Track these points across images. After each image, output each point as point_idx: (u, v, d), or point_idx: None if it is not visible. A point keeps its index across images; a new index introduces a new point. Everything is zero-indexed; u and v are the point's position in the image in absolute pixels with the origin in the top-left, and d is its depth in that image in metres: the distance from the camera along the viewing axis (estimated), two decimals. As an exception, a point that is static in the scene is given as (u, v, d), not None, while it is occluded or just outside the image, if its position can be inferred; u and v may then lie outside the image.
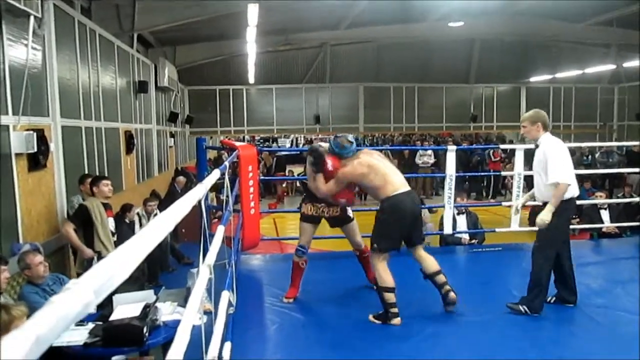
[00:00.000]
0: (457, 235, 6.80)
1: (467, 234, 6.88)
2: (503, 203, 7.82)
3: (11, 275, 3.96)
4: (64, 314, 0.69)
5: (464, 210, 6.95)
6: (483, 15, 12.62)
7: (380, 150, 16.08)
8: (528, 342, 3.73)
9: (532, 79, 18.58)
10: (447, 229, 6.52)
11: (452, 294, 4.12)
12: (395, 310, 3.98)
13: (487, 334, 3.82)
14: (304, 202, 4.69)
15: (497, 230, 6.93)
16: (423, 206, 8.42)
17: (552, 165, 4.02)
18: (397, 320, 3.96)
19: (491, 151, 14.27)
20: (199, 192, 2.09)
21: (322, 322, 4.16)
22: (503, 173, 10.67)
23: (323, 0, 10.71)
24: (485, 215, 8.92)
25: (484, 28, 14.33)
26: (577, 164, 13.01)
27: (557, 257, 4.19)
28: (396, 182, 4.10)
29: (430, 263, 4.20)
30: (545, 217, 4.02)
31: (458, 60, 17.94)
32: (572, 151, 14.66)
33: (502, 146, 11.07)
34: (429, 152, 14.08)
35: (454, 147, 6.56)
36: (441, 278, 4.16)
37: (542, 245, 4.15)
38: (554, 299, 4.36)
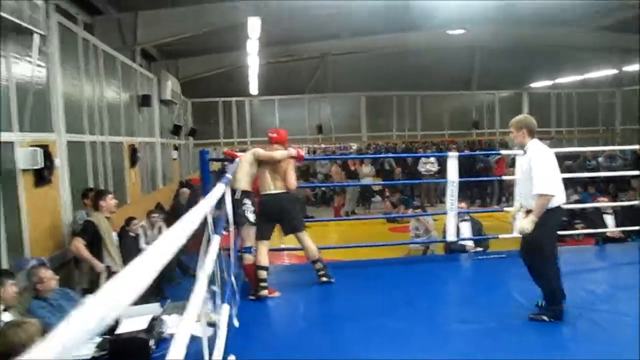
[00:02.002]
0: (461, 242, 6.80)
1: (471, 241, 6.88)
2: (505, 208, 7.82)
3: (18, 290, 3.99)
4: (85, 326, 0.74)
5: (467, 217, 6.96)
6: (483, 22, 12.68)
7: (383, 159, 15.84)
8: (532, 347, 3.74)
9: (534, 85, 18.63)
10: (450, 237, 6.52)
11: (324, 279, 5.08)
12: (265, 284, 4.88)
13: (491, 340, 3.82)
14: (254, 206, 4.99)
15: (500, 236, 6.93)
16: (425, 214, 8.46)
17: (537, 176, 4.02)
18: (265, 292, 4.84)
19: (494, 159, 14.25)
20: (204, 208, 2.13)
21: (330, 331, 4.17)
22: (504, 177, 10.66)
23: (322, 11, 10.79)
24: (490, 222, 8.91)
25: (485, 35, 14.42)
26: (581, 169, 13.02)
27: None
28: (268, 184, 4.97)
29: (311, 251, 5.10)
30: (526, 225, 4.07)
31: (459, 68, 18.02)
32: (576, 156, 14.74)
33: (504, 152, 11.04)
34: (432, 159, 14.09)
35: (455, 154, 6.57)
36: (318, 265, 5.12)
37: (538, 258, 4.16)
38: (543, 302, 4.35)
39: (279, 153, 5.05)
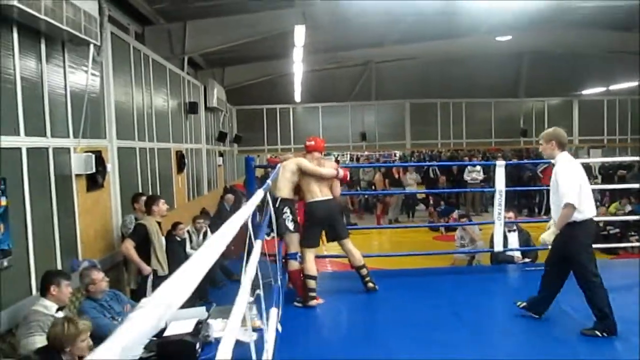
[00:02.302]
0: (508, 253, 6.64)
1: (519, 252, 6.70)
2: (556, 220, 7.57)
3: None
4: (144, 327, 0.75)
5: (514, 228, 6.78)
6: (532, 27, 12.39)
7: (428, 168, 15.76)
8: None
9: (585, 92, 18.05)
10: (498, 247, 6.36)
11: (370, 285, 5.07)
12: (314, 294, 4.85)
13: (541, 355, 3.71)
14: (294, 214, 4.98)
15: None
16: (470, 222, 8.29)
17: (561, 187, 4.01)
18: (314, 302, 4.80)
19: (540, 168, 13.84)
20: (246, 211, 2.15)
21: (375, 340, 4.13)
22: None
23: (368, 19, 10.79)
24: (538, 233, 8.66)
25: (533, 41, 14.08)
26: (635, 179, 12.49)
27: (563, 272, 4.15)
28: (315, 191, 4.92)
29: (357, 258, 5.10)
30: (547, 237, 4.15)
31: (506, 74, 17.65)
32: (630, 165, 14.18)
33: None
34: (478, 168, 13.83)
35: (503, 163, 6.43)
36: (363, 271, 5.10)
37: (581, 274, 4.07)
38: (524, 304, 4.34)
39: (326, 171, 5.04)
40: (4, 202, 3.84)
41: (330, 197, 5.04)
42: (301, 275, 4.94)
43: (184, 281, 0.98)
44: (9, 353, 3.66)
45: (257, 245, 3.01)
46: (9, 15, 3.95)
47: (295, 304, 4.85)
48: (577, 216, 3.98)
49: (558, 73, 17.45)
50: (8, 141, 4.07)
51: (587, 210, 4.03)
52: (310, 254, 4.93)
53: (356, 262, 5.12)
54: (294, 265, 4.94)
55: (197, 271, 1.08)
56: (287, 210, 4.87)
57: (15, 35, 4.19)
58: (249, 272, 2.41)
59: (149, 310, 0.79)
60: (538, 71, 17.43)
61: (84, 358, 2.99)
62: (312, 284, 4.85)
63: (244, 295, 2.11)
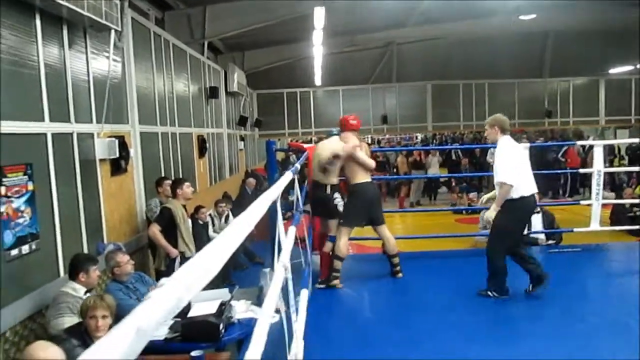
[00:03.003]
0: (532, 235, 6.56)
1: (543, 234, 6.62)
2: (581, 202, 7.45)
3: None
4: (162, 307, 0.74)
5: (539, 210, 6.70)
6: (557, 5, 12.09)
7: (450, 150, 15.72)
8: (607, 349, 3.57)
9: (612, 71, 17.60)
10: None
11: (399, 275, 5.13)
12: (338, 274, 4.92)
13: (568, 340, 3.68)
14: (343, 199, 5.10)
15: (575, 230, 6.62)
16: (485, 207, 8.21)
17: (498, 166, 4.31)
18: (336, 282, 4.89)
19: (561, 152, 13.60)
20: (273, 194, 2.15)
21: (398, 323, 4.14)
22: (581, 170, 10.15)
23: (387, 0, 10.65)
24: (563, 215, 8.54)
25: (558, 19, 13.73)
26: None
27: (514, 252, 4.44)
28: (362, 173, 4.99)
29: (392, 245, 5.14)
30: (489, 214, 4.41)
31: (530, 54, 17.29)
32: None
33: (579, 142, 10.51)
34: (501, 149, 13.64)
35: (527, 145, 6.34)
36: (395, 260, 5.15)
37: (493, 241, 4.42)
38: (530, 287, 4.48)
39: (372, 162, 5.15)
40: (30, 186, 3.92)
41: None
42: (330, 254, 5.00)
43: (206, 263, 0.98)
44: (39, 333, 3.76)
45: (292, 231, 3.01)
46: (31, 2, 3.99)
47: (317, 285, 4.88)
48: (512, 194, 4.24)
49: (584, 52, 17.04)
50: (33, 127, 4.14)
51: (522, 188, 4.27)
52: (346, 235, 4.98)
53: (390, 249, 5.16)
54: (329, 246, 5.00)
55: (221, 254, 1.07)
56: (337, 195, 5.00)
57: (38, 22, 4.23)
58: (284, 255, 2.40)
59: (166, 292, 0.78)
60: (563, 50, 17.04)
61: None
62: (338, 265, 4.93)
63: (278, 279, 2.11)
